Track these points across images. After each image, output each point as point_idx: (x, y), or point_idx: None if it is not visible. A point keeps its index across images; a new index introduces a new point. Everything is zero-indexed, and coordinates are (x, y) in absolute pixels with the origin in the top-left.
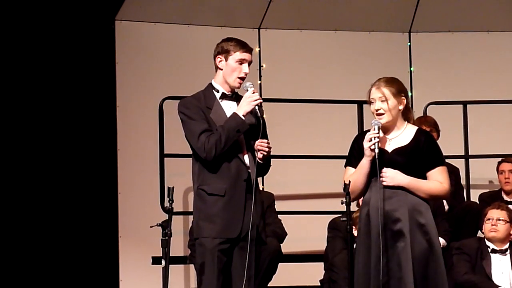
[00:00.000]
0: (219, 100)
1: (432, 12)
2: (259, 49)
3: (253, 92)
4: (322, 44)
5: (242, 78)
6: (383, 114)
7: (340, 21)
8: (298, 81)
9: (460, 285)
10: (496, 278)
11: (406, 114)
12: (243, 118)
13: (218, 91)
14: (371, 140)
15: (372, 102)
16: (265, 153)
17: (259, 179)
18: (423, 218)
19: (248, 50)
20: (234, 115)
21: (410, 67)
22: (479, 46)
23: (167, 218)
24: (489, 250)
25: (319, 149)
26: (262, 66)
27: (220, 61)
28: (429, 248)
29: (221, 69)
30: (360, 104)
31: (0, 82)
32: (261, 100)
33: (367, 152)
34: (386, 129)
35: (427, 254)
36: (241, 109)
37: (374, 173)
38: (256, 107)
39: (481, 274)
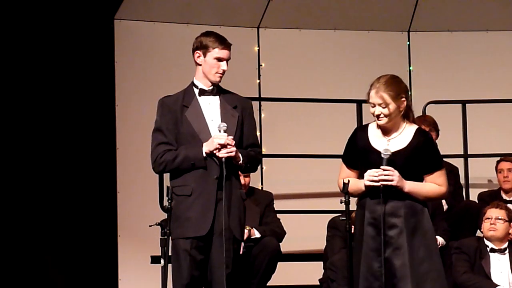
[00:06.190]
0: (198, 97)
1: (431, 11)
2: (258, 48)
3: (226, 136)
4: (321, 43)
5: (221, 74)
6: (383, 117)
7: (339, 20)
8: (297, 80)
9: (459, 284)
10: (495, 277)
11: (406, 113)
12: (204, 155)
13: (197, 87)
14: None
15: (372, 106)
16: (230, 156)
17: (257, 177)
18: (420, 220)
19: (227, 46)
20: (199, 148)
21: (409, 66)
22: (478, 45)
23: (166, 217)
24: (488, 249)
25: (318, 148)
26: (261, 65)
27: (199, 56)
28: (426, 250)
29: (200, 65)
30: (359, 103)
31: None
32: (229, 154)
33: (366, 182)
34: (385, 129)
35: (424, 257)
36: (206, 145)
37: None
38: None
39: (480, 274)
